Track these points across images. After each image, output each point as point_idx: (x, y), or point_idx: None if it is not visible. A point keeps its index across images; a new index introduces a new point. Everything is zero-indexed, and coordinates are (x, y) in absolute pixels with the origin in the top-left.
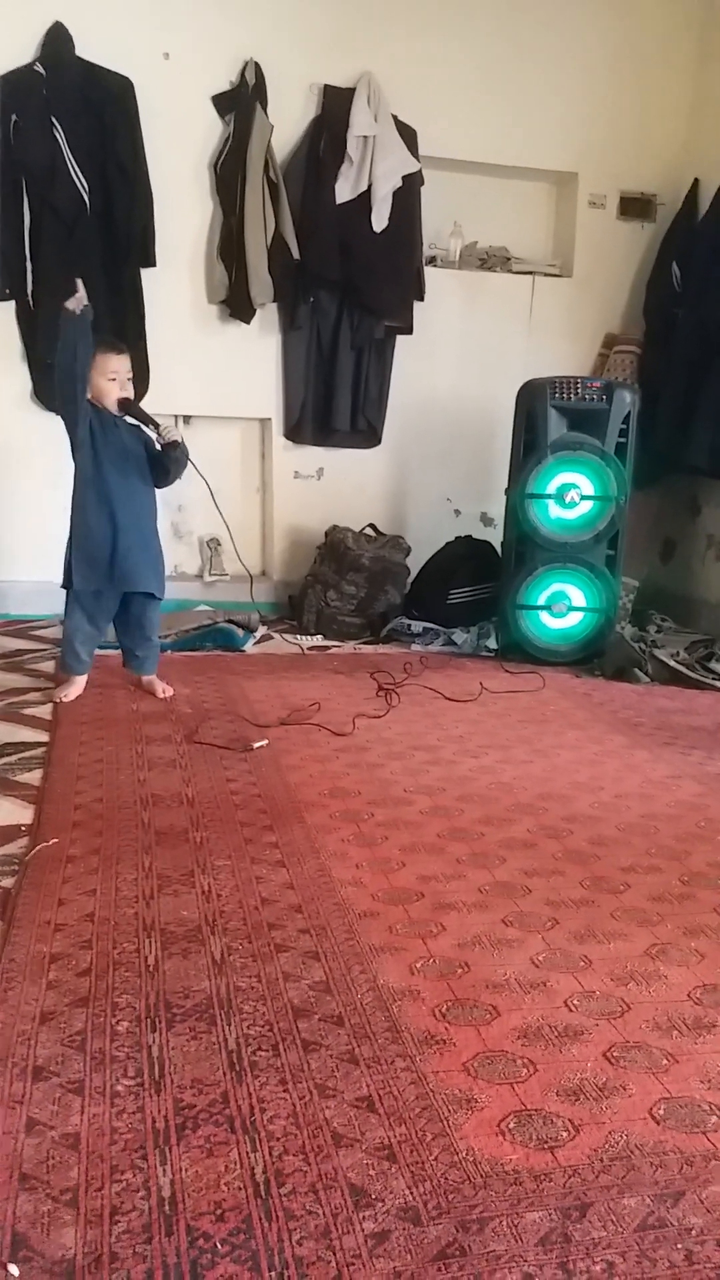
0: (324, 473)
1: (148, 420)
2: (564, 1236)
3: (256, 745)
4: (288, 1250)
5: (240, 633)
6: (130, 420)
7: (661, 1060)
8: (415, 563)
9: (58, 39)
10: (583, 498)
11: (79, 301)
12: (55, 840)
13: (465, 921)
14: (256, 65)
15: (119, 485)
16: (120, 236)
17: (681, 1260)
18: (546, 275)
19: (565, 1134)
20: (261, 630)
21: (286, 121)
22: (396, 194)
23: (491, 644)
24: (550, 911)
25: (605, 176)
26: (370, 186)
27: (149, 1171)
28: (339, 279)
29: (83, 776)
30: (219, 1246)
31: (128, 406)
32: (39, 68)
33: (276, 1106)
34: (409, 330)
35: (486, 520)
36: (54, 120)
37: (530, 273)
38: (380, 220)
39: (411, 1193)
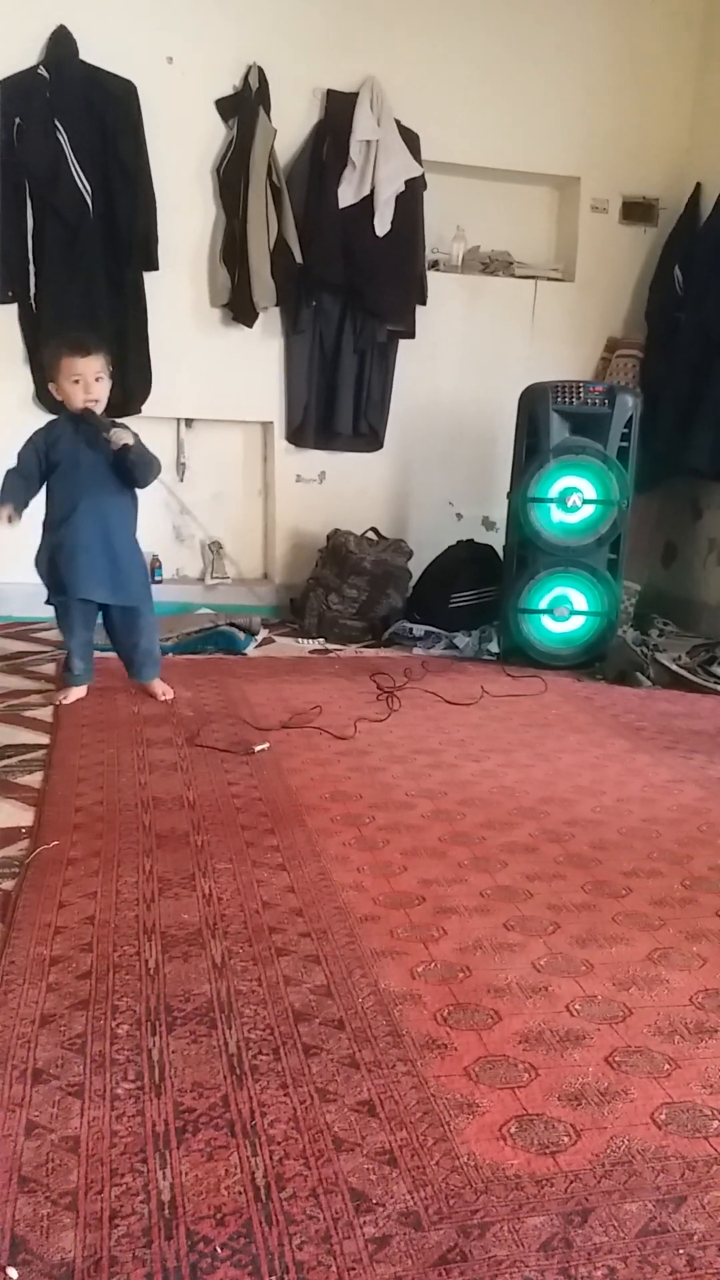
0: (326, 476)
1: (101, 428)
2: (565, 1242)
3: (258, 748)
4: (288, 1254)
5: (241, 636)
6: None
7: (663, 1065)
8: (417, 566)
9: (61, 42)
10: (585, 501)
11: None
12: (56, 843)
13: (466, 926)
14: (260, 69)
15: (94, 491)
16: (123, 240)
17: (683, 1266)
18: (549, 279)
19: (567, 1139)
20: (263, 633)
21: (289, 125)
22: (399, 198)
23: (493, 648)
24: (552, 916)
25: (607, 181)
26: (373, 191)
27: (149, 1175)
28: (341, 283)
29: (83, 779)
30: (219, 1251)
31: (86, 415)
32: (42, 71)
33: (277, 1110)
34: (411, 334)
35: (488, 524)
36: (57, 123)
37: (532, 277)
38: (383, 224)
39: (412, 1197)
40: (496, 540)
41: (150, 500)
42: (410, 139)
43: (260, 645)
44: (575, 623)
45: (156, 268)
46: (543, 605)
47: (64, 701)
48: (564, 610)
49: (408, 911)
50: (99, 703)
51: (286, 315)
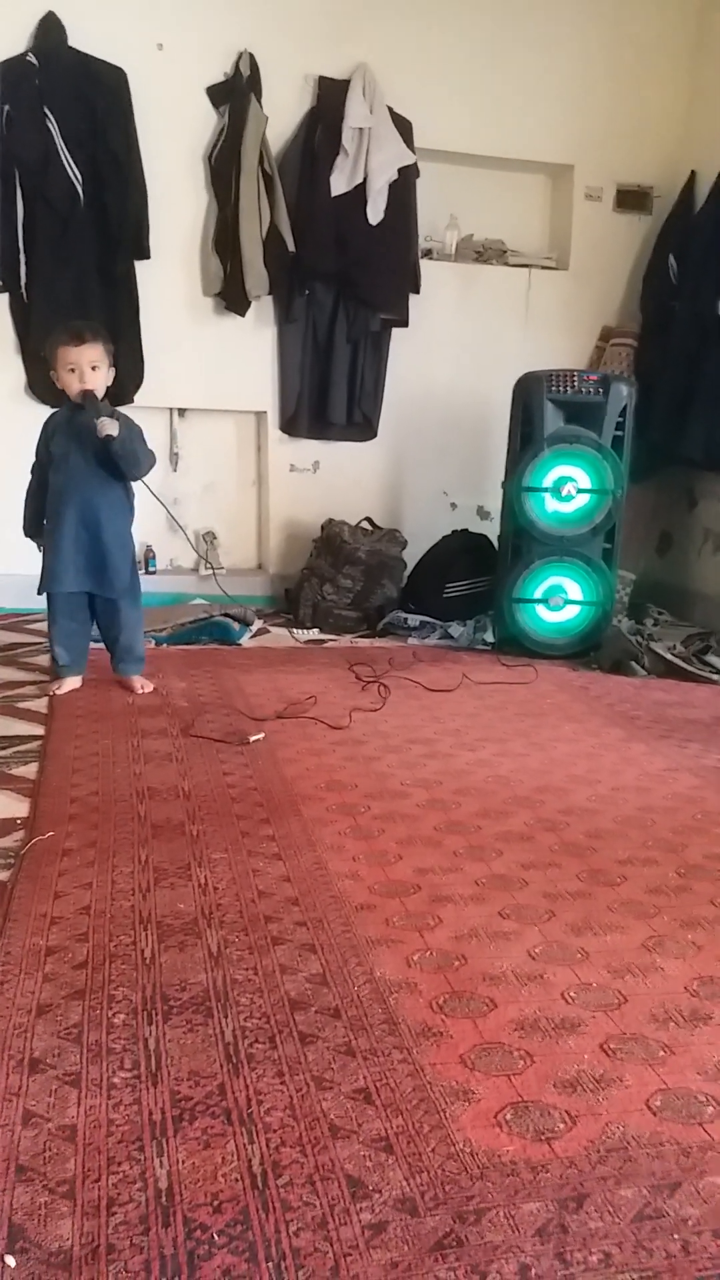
0: (320, 466)
1: (93, 413)
2: (561, 1227)
3: (253, 738)
4: (285, 1241)
5: (236, 626)
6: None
7: (658, 1052)
8: (412, 556)
9: (50, 29)
10: (579, 491)
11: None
12: (51, 833)
13: (462, 914)
14: (251, 56)
15: (82, 482)
16: (114, 229)
17: (678, 1250)
18: (543, 268)
19: (562, 1125)
20: (257, 624)
21: (281, 113)
22: (392, 186)
23: (488, 637)
24: (547, 904)
25: (602, 169)
26: (366, 179)
27: (146, 1163)
28: (334, 271)
29: (78, 770)
30: (216, 1238)
31: (85, 397)
32: (31, 58)
33: (273, 1098)
34: (405, 323)
35: (483, 513)
36: (47, 111)
37: (526, 265)
38: (376, 213)
39: (409, 1184)
40: (491, 530)
41: (143, 491)
42: (403, 126)
43: (255, 636)
44: (570, 612)
45: (148, 256)
46: (537, 595)
47: (57, 692)
48: (559, 600)
49: (403, 900)
50: (93, 694)
51: (279, 304)
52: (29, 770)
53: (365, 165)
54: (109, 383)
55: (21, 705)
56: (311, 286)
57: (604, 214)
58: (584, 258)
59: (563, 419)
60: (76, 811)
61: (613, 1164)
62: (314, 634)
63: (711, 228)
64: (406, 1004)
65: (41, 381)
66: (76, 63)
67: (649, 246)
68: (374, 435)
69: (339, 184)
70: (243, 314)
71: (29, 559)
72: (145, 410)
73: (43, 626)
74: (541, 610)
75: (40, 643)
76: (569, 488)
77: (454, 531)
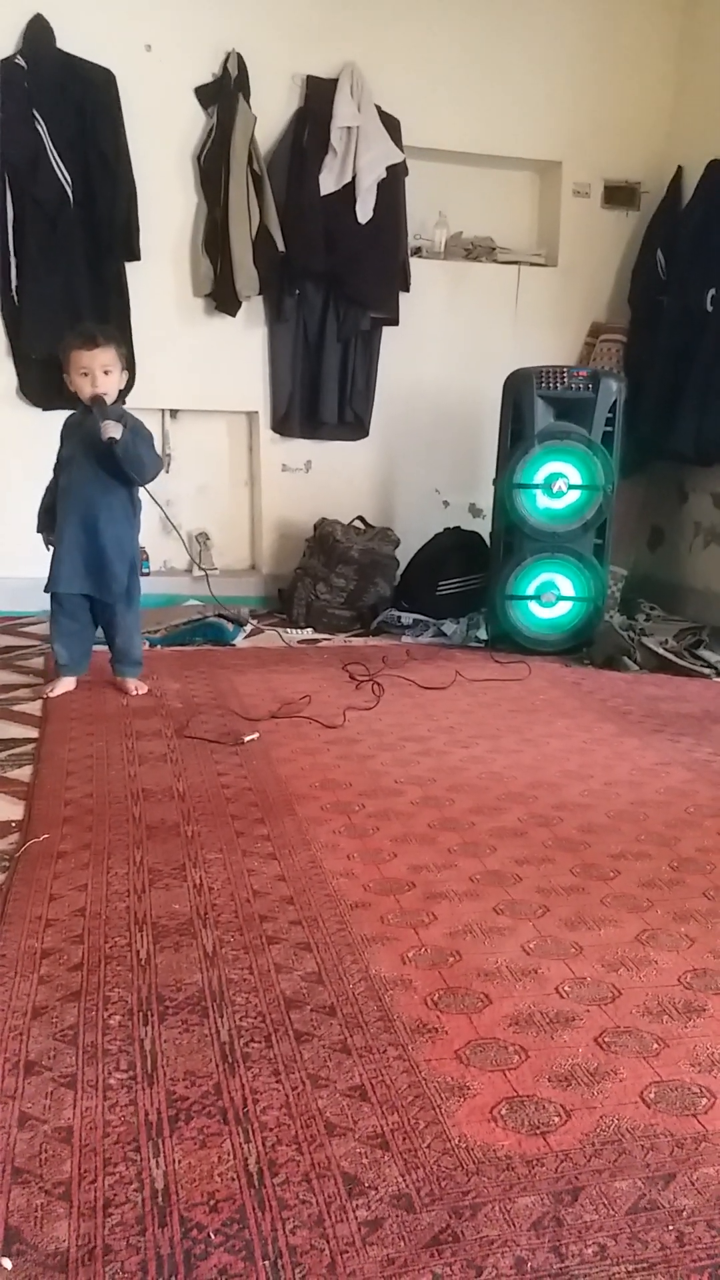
0: (312, 465)
1: (100, 416)
2: (556, 1220)
3: (247, 739)
4: (281, 1239)
5: (230, 626)
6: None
7: (652, 1045)
8: (404, 554)
9: (38, 31)
10: (570, 487)
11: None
12: (46, 836)
13: (456, 910)
14: (239, 56)
15: (85, 484)
16: (104, 230)
17: (673, 1242)
18: (531, 265)
19: (557, 1119)
20: (251, 624)
21: (270, 113)
22: (381, 185)
23: (481, 634)
24: (541, 899)
25: (589, 165)
26: (354, 177)
27: (142, 1164)
28: (324, 271)
29: (73, 772)
30: (213, 1237)
31: (95, 402)
32: (19, 60)
33: (269, 1097)
34: (395, 321)
35: (475, 511)
36: (35, 113)
37: (515, 262)
38: (365, 211)
39: (404, 1180)
40: (483, 527)
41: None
42: (391, 125)
43: (249, 636)
44: (562, 608)
45: (138, 257)
46: (530, 591)
47: (51, 694)
48: (551, 596)
49: (398, 897)
50: (87, 696)
51: (270, 304)
52: (23, 773)
53: (354, 164)
54: (123, 385)
55: (16, 708)
56: (301, 286)
57: (592, 210)
58: (573, 254)
59: (553, 415)
60: (71, 814)
61: (607, 1157)
62: (308, 633)
63: (698, 222)
64: (401, 1001)
65: (32, 384)
66: (65, 64)
67: (637, 242)
68: (365, 434)
69: (328, 183)
70: (233, 314)
71: (24, 562)
72: (136, 412)
73: (38, 629)
74: (534, 607)
75: (35, 645)
76: (560, 484)
77: (446, 529)
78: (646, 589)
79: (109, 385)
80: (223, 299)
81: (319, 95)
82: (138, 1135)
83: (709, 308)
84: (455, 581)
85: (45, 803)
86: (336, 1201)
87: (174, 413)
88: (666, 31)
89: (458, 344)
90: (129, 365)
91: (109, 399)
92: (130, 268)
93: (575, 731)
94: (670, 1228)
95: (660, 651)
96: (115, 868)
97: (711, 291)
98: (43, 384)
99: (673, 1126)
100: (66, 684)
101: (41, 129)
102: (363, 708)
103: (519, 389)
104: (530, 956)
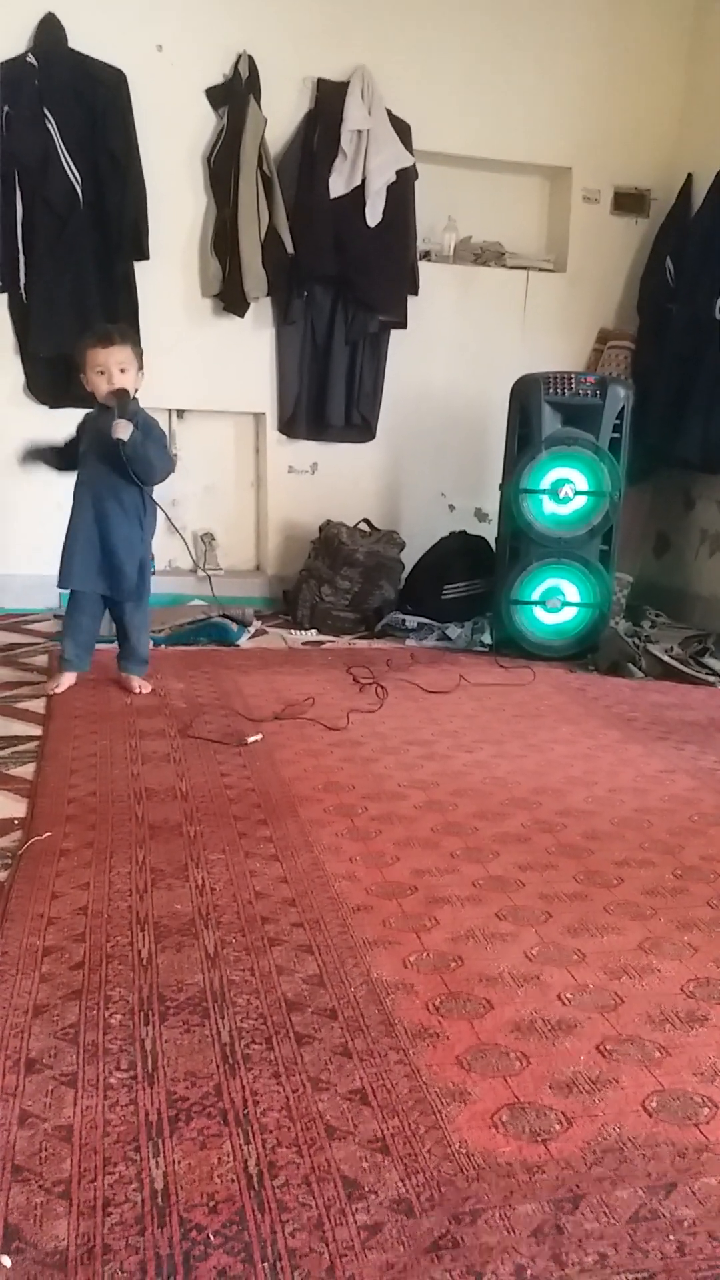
0: (318, 467)
1: (115, 416)
2: (556, 1228)
3: (250, 740)
4: (281, 1242)
5: (234, 627)
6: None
7: (654, 1053)
8: (410, 558)
9: (50, 30)
10: (577, 493)
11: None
12: (48, 834)
13: (459, 915)
14: (250, 58)
15: (97, 481)
16: (113, 229)
17: (674, 1251)
18: (540, 270)
19: (558, 1126)
20: (255, 625)
21: (280, 115)
22: (390, 188)
23: (486, 639)
24: (544, 905)
25: (599, 171)
26: (364, 181)
27: (142, 1164)
28: (333, 273)
29: (76, 770)
30: (211, 1238)
31: (117, 396)
32: (31, 59)
33: (270, 1099)
34: (403, 325)
35: (481, 515)
36: (46, 112)
37: (524, 268)
38: (374, 215)
39: (404, 1185)
40: (489, 532)
41: None
42: (401, 128)
43: (253, 637)
44: (567, 614)
45: (147, 257)
46: (535, 596)
47: (55, 691)
48: (556, 601)
49: (400, 901)
50: (91, 694)
51: (278, 306)
52: (26, 771)
53: (364, 167)
54: (139, 384)
55: (19, 705)
56: (310, 288)
57: (601, 216)
58: (581, 260)
59: (560, 421)
60: (74, 812)
61: (609, 1165)
62: (312, 635)
63: (708, 230)
64: (403, 1005)
65: (40, 382)
66: (76, 64)
67: (646, 249)
68: (372, 437)
69: (337, 186)
70: (241, 315)
71: (27, 560)
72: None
73: (41, 627)
74: (539, 612)
75: (37, 643)
76: (566, 490)
77: (452, 533)
78: (652, 596)
79: (125, 383)
80: (231, 300)
81: (329, 98)
82: (138, 1135)
83: (718, 316)
84: (460, 585)
85: (48, 801)
86: (336, 1205)
87: (181, 413)
88: (677, 38)
89: (466, 348)
90: (143, 365)
91: (124, 396)
92: (139, 267)
93: (579, 738)
94: (671, 1237)
95: (665, 659)
96: (118, 867)
97: None
98: (50, 382)
99: (674, 1136)
100: (68, 679)
101: (52, 128)
102: (366, 710)
103: (526, 394)
104: (532, 963)
